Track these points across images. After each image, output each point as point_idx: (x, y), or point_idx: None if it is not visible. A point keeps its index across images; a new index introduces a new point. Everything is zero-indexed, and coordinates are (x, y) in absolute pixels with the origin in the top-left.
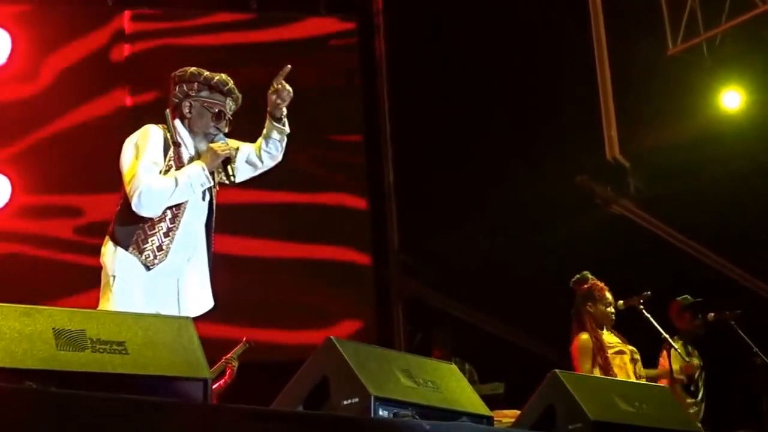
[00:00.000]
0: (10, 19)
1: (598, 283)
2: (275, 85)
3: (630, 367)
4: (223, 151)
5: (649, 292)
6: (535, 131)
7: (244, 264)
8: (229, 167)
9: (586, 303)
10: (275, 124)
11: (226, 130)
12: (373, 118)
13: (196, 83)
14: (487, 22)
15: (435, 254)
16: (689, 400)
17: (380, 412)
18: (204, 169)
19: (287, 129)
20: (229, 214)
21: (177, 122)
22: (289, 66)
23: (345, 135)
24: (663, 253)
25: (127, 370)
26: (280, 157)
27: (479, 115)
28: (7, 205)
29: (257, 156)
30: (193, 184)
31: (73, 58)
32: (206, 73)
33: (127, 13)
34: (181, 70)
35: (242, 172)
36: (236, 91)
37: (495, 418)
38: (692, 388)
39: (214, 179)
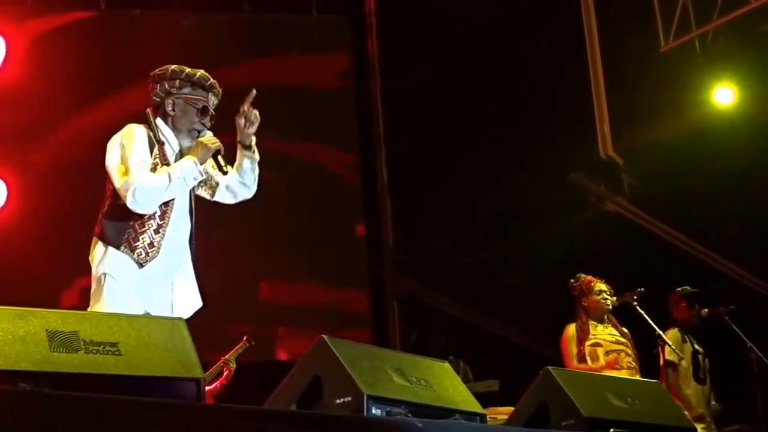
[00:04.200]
0: (5, 23)
1: (586, 277)
2: (243, 109)
3: (602, 358)
4: (213, 144)
5: (642, 289)
6: (529, 130)
7: (240, 265)
8: (219, 159)
9: (581, 300)
10: (246, 152)
11: (209, 125)
12: (366, 117)
13: (177, 80)
14: (479, 21)
15: (430, 253)
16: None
17: (373, 411)
18: (196, 163)
19: (257, 156)
20: (224, 215)
21: (159, 120)
22: (254, 91)
23: (339, 135)
24: (657, 250)
25: (120, 371)
26: (254, 189)
27: (473, 114)
28: (2, 207)
29: (234, 187)
30: (186, 179)
31: (66, 61)
32: (187, 69)
33: (119, 16)
34: (161, 68)
35: (223, 197)
36: (217, 86)
37: (490, 416)
38: (701, 376)
39: (208, 179)
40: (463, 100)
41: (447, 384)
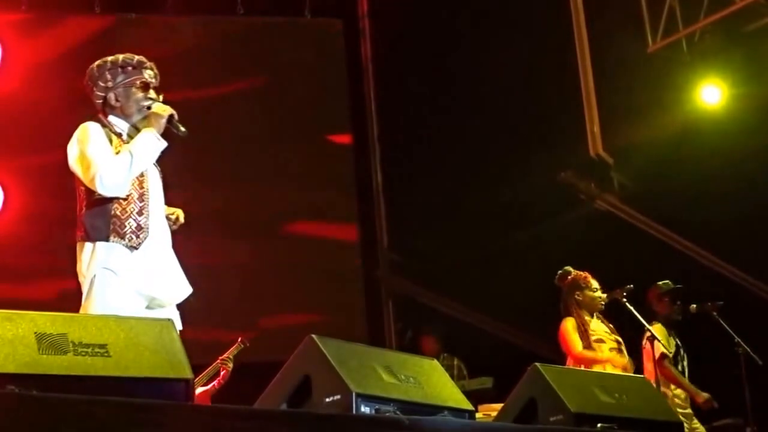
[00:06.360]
0: (0, 28)
1: (581, 272)
2: (177, 219)
3: (607, 353)
4: (165, 111)
5: (631, 285)
6: (520, 129)
7: (235, 265)
8: (175, 123)
9: (573, 293)
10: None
11: (157, 97)
12: (360, 119)
13: (107, 72)
14: (471, 23)
15: (424, 252)
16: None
17: (362, 409)
18: (153, 133)
19: None
20: (218, 215)
21: (111, 117)
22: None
23: (333, 136)
24: (646, 247)
25: (109, 373)
26: None
27: (465, 115)
28: (0, 212)
29: None
30: (148, 151)
31: (62, 65)
32: (110, 58)
33: (114, 20)
34: (86, 74)
35: None
36: (146, 60)
37: (484, 413)
38: (679, 369)
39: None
40: (456, 101)
41: (435, 381)
